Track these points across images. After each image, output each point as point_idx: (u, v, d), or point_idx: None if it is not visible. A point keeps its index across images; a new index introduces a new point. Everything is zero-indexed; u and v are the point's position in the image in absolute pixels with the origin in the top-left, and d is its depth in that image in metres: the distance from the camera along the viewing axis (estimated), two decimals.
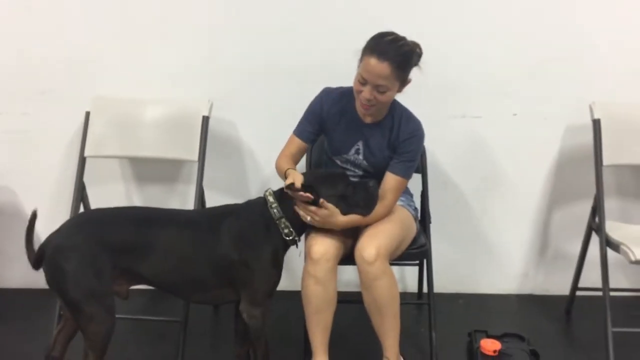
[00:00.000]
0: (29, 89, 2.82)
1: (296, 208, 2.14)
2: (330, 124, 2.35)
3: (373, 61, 2.11)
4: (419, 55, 2.21)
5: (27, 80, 2.81)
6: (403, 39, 2.17)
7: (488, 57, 2.78)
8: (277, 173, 2.38)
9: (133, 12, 2.74)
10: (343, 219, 2.17)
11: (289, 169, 2.25)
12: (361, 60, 2.17)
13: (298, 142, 2.38)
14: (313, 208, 2.12)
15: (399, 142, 2.28)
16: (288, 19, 2.74)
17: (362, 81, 2.16)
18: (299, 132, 2.38)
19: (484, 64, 2.78)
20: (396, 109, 2.31)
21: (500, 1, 2.72)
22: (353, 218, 2.19)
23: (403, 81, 2.19)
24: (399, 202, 2.38)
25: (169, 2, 2.74)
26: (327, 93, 2.37)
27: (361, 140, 2.33)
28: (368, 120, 2.30)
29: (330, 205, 2.13)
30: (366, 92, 2.15)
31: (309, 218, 2.14)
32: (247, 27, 2.76)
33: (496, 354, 2.40)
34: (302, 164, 2.67)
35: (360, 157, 2.35)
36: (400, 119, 2.29)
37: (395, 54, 2.11)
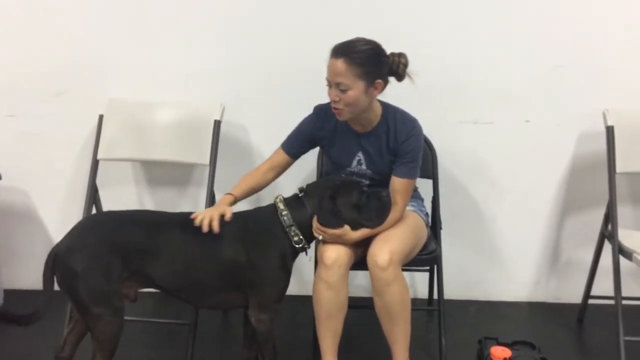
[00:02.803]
0: (43, 92, 2.84)
1: (315, 232, 2.16)
2: (327, 141, 2.36)
3: (330, 60, 2.15)
4: (403, 65, 2.19)
5: (41, 82, 2.82)
6: (366, 40, 2.16)
7: (500, 63, 2.76)
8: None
9: (147, 15, 2.76)
10: (355, 235, 2.18)
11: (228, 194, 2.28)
12: None
13: (284, 156, 2.39)
14: (330, 231, 2.14)
15: (397, 144, 2.27)
16: (300, 23, 2.74)
17: (327, 84, 2.19)
18: (287, 147, 2.39)
19: (496, 70, 2.77)
20: (388, 112, 2.30)
21: (513, 7, 2.71)
22: (365, 232, 2.19)
23: (369, 80, 2.14)
24: (410, 208, 2.37)
25: (183, 6, 2.75)
26: (317, 112, 2.38)
27: (360, 151, 2.33)
28: (361, 129, 2.30)
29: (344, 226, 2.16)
30: (331, 93, 2.17)
31: (320, 237, 2.16)
32: (259, 30, 2.76)
33: None
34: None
35: (364, 167, 2.35)
36: (394, 122, 2.28)
37: (350, 51, 2.12)
